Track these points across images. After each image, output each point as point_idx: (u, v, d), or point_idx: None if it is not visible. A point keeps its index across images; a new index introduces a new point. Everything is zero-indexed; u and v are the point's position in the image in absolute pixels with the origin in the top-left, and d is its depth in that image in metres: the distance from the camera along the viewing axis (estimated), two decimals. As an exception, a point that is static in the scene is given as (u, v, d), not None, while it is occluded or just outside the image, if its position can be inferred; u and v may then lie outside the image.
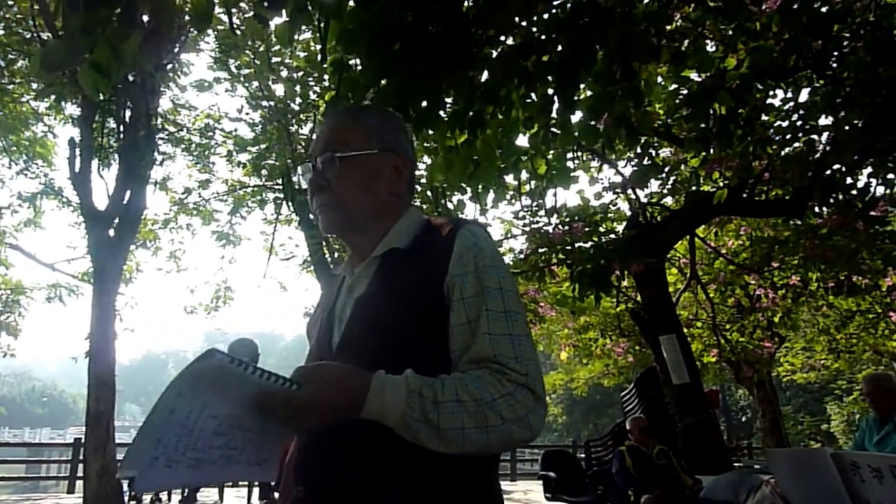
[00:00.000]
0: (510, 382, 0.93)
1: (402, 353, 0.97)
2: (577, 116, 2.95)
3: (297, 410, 0.88)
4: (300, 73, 9.73)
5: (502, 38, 2.72)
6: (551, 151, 3.10)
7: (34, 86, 9.85)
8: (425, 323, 1.00)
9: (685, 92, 4.01)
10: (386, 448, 0.92)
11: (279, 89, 11.12)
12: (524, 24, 2.67)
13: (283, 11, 2.09)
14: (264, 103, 11.21)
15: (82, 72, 1.69)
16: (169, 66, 9.27)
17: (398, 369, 0.93)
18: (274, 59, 9.51)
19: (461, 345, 0.98)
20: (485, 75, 2.61)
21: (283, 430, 0.96)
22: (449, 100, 2.69)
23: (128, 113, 8.63)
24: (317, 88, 9.68)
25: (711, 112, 3.79)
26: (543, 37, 2.56)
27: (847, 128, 4.54)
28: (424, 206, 7.96)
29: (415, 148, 1.27)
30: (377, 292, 1.07)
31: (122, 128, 8.81)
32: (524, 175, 4.25)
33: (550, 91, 2.69)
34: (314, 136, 1.20)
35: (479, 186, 3.30)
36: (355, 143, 1.13)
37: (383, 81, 2.27)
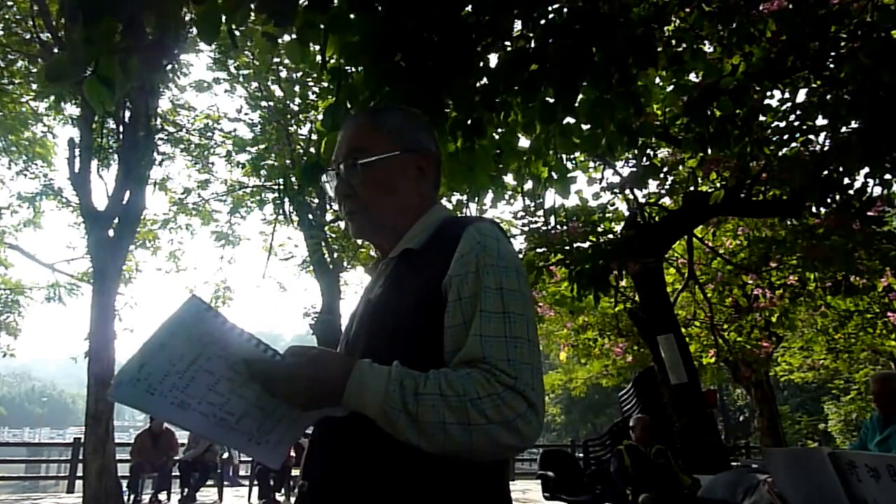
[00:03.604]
0: (499, 384, 0.88)
1: (398, 354, 0.94)
2: (577, 122, 2.96)
3: (274, 379, 0.90)
4: (299, 74, 9.74)
5: (500, 44, 2.73)
6: (551, 156, 3.08)
7: (34, 86, 9.84)
8: (424, 325, 0.98)
9: (685, 98, 4.02)
10: (388, 450, 0.92)
11: (278, 90, 11.14)
12: (523, 30, 2.68)
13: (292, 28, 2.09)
14: (263, 104, 11.22)
15: (88, 85, 1.66)
16: (168, 67, 9.27)
17: None
18: (273, 60, 9.52)
19: (453, 346, 0.95)
20: (483, 81, 2.61)
21: (289, 415, 0.96)
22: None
23: (127, 113, 8.63)
24: (316, 89, 9.70)
25: (709, 113, 3.81)
26: (542, 43, 2.57)
27: (850, 132, 4.54)
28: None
29: (437, 140, 1.25)
30: (385, 294, 1.07)
31: (121, 128, 8.81)
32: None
33: (549, 97, 2.69)
34: (338, 142, 1.19)
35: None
36: (376, 148, 1.12)
37: (384, 89, 2.27)
